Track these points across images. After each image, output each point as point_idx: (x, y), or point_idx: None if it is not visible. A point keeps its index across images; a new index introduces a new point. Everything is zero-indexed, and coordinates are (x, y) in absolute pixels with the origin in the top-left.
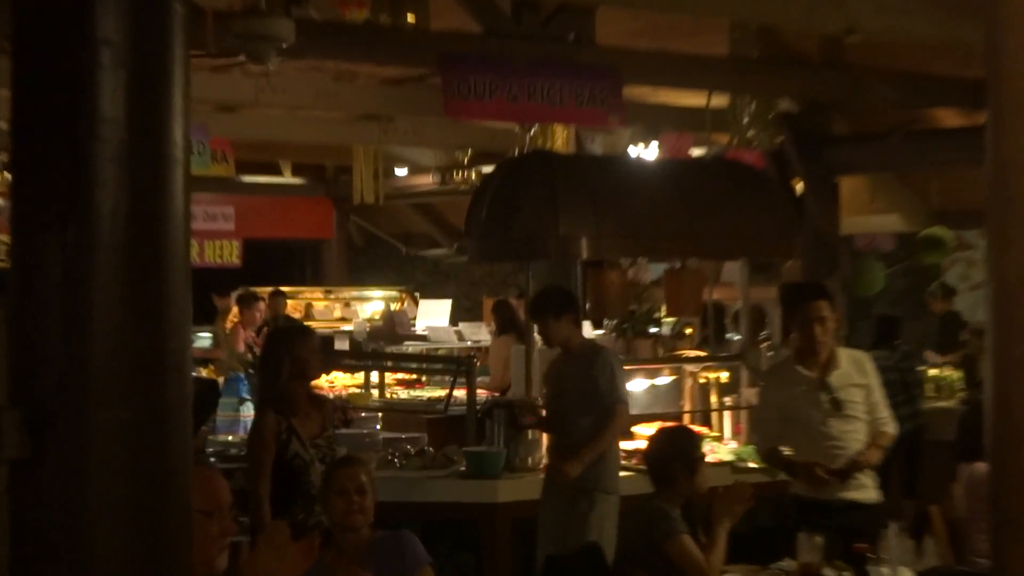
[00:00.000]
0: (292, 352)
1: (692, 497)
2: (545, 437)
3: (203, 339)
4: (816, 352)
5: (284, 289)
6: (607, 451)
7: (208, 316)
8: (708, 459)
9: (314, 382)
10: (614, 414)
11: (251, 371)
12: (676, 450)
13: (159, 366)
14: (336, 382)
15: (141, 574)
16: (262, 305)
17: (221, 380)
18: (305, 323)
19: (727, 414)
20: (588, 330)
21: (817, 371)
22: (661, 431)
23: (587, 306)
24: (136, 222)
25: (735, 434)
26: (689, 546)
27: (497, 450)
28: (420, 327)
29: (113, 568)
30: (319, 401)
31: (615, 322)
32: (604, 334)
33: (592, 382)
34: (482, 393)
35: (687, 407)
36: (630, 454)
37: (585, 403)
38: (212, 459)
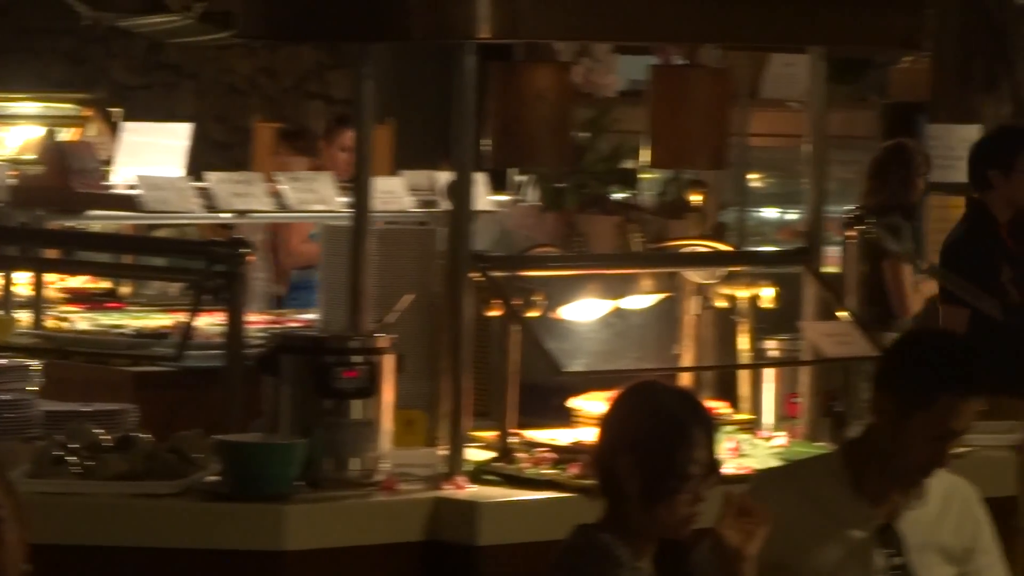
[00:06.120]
0: None
1: (671, 533)
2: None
3: None
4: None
5: None
6: None
7: None
8: (728, 466)
9: None
10: None
11: None
12: (654, 438)
13: None
14: None
15: None
16: None
17: None
18: None
19: (769, 375)
20: (483, 193)
21: (886, 506)
22: (627, 395)
23: (486, 143)
24: None
25: (783, 418)
26: None
27: (290, 441)
28: (121, 178)
29: None
30: None
31: (536, 177)
32: (511, 201)
33: None
34: (260, 321)
35: (688, 358)
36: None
37: None
38: None
